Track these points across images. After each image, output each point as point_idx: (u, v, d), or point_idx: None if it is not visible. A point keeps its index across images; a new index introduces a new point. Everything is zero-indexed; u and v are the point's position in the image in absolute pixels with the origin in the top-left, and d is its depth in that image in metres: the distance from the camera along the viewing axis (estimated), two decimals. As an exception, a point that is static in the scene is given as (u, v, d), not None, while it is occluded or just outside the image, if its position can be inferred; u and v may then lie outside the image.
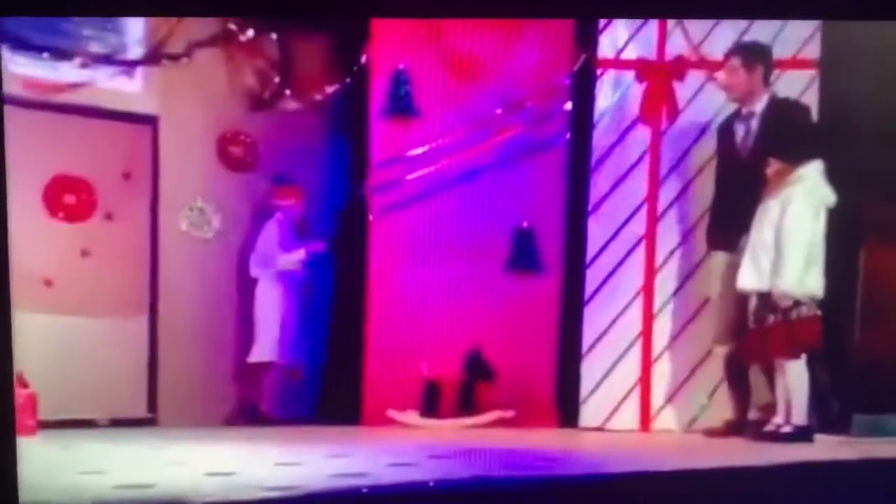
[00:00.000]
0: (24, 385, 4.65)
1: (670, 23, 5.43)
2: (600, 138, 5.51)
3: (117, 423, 5.31)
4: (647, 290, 5.41)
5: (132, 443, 4.72)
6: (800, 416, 4.92)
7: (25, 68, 5.10)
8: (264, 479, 3.69)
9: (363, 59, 5.65)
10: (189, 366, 5.56)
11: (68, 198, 5.35)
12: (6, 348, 3.23)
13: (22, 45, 5.05)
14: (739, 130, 5.17)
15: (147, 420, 5.47)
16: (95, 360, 5.31)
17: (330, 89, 5.69)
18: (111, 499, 3.37)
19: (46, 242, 5.22)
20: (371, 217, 5.60)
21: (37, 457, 4.02)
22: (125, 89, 5.50)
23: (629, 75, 5.52)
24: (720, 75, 5.25)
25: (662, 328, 5.41)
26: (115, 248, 5.48)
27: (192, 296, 5.61)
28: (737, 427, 5.14)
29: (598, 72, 5.54)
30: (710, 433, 5.18)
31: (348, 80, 5.68)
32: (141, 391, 5.51)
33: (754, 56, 5.16)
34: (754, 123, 5.14)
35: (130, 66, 5.52)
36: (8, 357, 3.28)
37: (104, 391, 5.32)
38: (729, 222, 5.11)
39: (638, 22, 5.46)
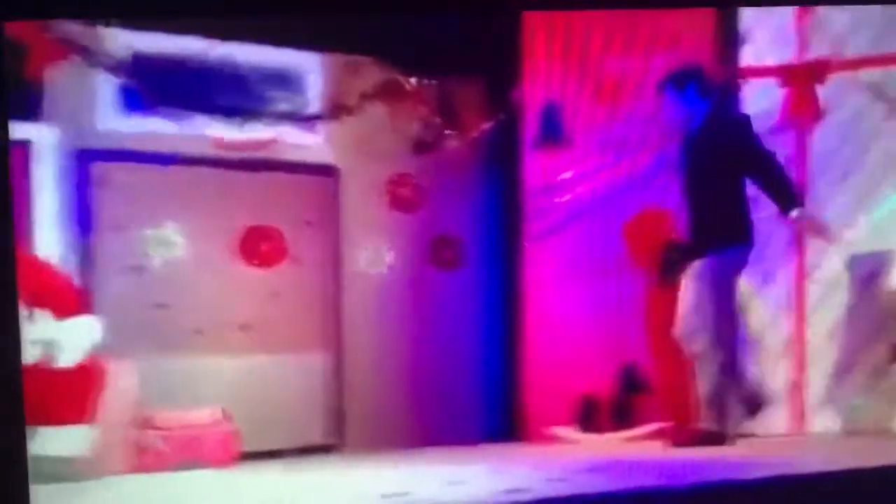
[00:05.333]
0: (229, 420, 5.16)
1: (810, 25, 5.42)
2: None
3: (310, 450, 5.72)
4: (799, 292, 5.33)
5: (316, 470, 5.10)
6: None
7: (215, 130, 5.58)
8: (436, 497, 3.94)
9: (515, 95, 5.93)
10: (372, 393, 5.94)
11: (263, 246, 5.83)
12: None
13: (212, 108, 5.56)
14: None
15: (332, 447, 5.87)
16: (289, 394, 5.78)
17: (486, 126, 6.00)
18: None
19: (243, 289, 5.76)
20: (526, 243, 5.83)
21: (233, 487, 4.53)
22: (307, 142, 5.94)
23: (771, 82, 5.52)
24: None
25: (815, 331, 5.34)
26: (303, 288, 5.94)
27: (371, 327, 6.00)
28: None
29: (741, 82, 5.58)
30: (863, 433, 5.07)
31: (503, 115, 5.98)
32: (328, 420, 5.93)
33: None
34: None
35: (311, 121, 5.96)
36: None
37: (295, 422, 5.77)
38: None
39: (776, 27, 5.49)
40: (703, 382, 5.00)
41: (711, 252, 4.99)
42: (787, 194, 4.97)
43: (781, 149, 5.40)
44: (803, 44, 5.49)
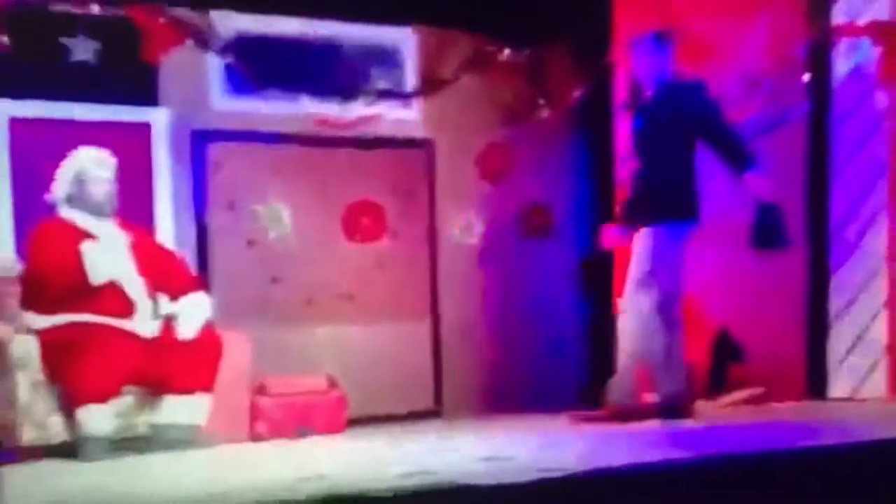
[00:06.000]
0: (335, 387, 5.34)
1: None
2: (839, 106, 5.46)
3: (411, 415, 5.89)
4: (892, 256, 5.28)
5: (418, 434, 5.19)
6: None
7: (317, 108, 5.78)
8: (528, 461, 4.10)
9: (606, 61, 5.97)
10: (469, 360, 6.15)
11: (364, 220, 6.03)
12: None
13: (314, 87, 5.75)
14: None
15: (434, 412, 6.06)
16: (390, 361, 5.98)
17: (577, 93, 6.06)
18: (394, 485, 3.82)
19: (346, 262, 5.98)
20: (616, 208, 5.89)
21: (342, 453, 4.65)
22: (404, 117, 6.10)
23: (864, 40, 5.43)
24: None
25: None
26: (401, 260, 6.13)
27: (466, 295, 6.20)
28: None
29: (833, 40, 5.50)
30: None
31: (593, 82, 6.02)
32: (429, 387, 6.14)
33: None
34: None
35: (408, 96, 6.09)
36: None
37: (397, 388, 5.97)
38: None
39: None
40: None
41: (656, 222, 4.89)
42: (741, 156, 4.83)
43: (876, 106, 5.36)
44: (897, 0, 5.38)
